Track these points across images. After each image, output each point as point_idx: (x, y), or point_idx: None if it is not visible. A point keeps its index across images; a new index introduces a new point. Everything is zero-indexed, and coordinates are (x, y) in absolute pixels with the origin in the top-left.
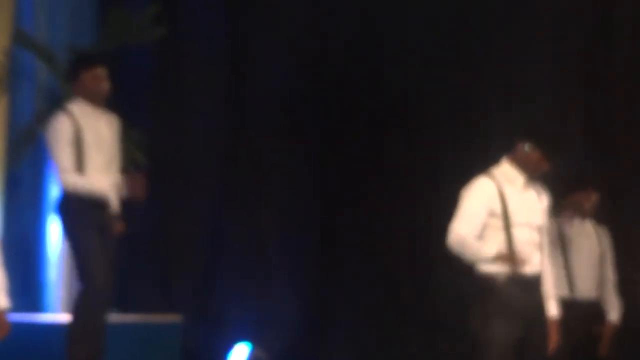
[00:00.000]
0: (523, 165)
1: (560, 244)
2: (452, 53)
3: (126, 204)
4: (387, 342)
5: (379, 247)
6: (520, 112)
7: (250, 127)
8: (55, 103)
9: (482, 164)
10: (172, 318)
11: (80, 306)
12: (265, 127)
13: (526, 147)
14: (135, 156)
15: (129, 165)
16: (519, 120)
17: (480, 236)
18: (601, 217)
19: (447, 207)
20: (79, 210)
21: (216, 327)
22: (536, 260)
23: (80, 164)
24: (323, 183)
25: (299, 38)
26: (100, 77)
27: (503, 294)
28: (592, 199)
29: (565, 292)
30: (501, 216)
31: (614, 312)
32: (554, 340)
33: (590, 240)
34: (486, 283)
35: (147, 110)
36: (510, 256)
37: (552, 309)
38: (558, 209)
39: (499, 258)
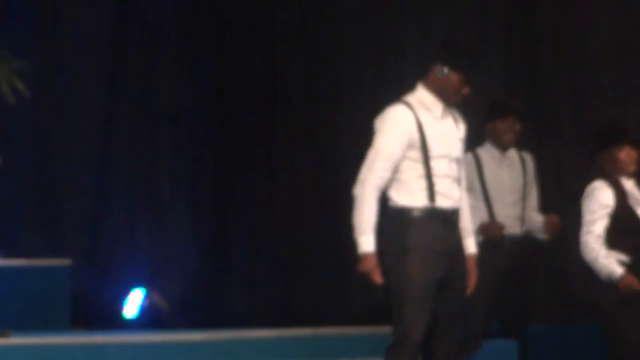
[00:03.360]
0: (440, 90)
1: (479, 177)
2: None
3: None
4: (290, 287)
5: (280, 185)
6: (434, 31)
7: (137, 52)
8: None
9: (394, 90)
10: (59, 262)
11: None
12: (153, 52)
13: (444, 70)
14: (16, 85)
15: (9, 93)
16: (433, 40)
17: (396, 176)
18: (526, 143)
19: (357, 139)
20: None
21: (108, 271)
22: (455, 194)
23: None
24: (219, 112)
25: None
26: None
27: (420, 228)
28: (514, 128)
29: None
30: (420, 148)
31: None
32: (473, 278)
33: (512, 173)
34: (401, 217)
35: (27, 35)
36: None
37: (471, 246)
38: (478, 139)
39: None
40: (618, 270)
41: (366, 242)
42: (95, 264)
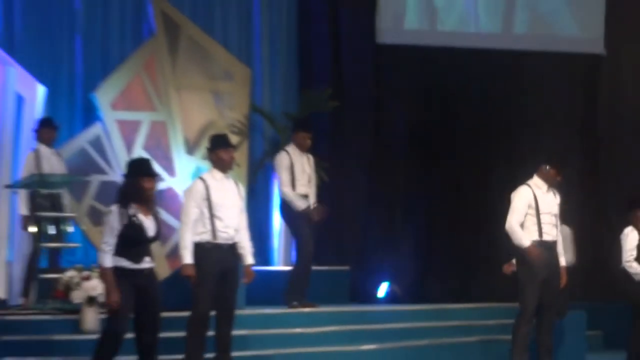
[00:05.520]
0: (545, 178)
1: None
2: (508, 116)
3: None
4: (466, 279)
5: (462, 225)
6: (543, 148)
7: (388, 152)
8: (275, 146)
9: (522, 178)
10: (343, 268)
11: (297, 261)
12: (396, 152)
13: (547, 168)
14: (322, 175)
15: (319, 179)
16: (542, 153)
17: (523, 223)
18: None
19: (501, 201)
20: (290, 207)
21: (369, 272)
22: (554, 233)
23: (292, 182)
24: (429, 188)
25: (418, 106)
26: (307, 136)
27: (535, 252)
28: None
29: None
30: (534, 208)
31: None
32: (564, 280)
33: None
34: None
35: (327, 148)
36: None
37: (562, 261)
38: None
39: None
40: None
41: (524, 239)
42: (363, 268)
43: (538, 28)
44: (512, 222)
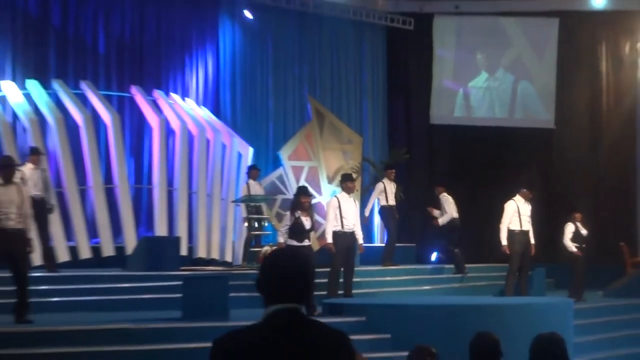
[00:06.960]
0: (523, 196)
1: (518, 212)
2: (506, 163)
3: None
4: (480, 251)
5: (477, 221)
6: (522, 180)
7: (435, 183)
8: (375, 179)
9: (510, 195)
10: (412, 244)
11: (387, 241)
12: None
13: (524, 190)
14: (400, 194)
15: (399, 197)
16: (521, 182)
17: (510, 221)
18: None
19: (498, 208)
20: (385, 210)
21: (425, 247)
22: (528, 226)
23: (386, 198)
24: (460, 201)
25: (455, 158)
26: (393, 173)
27: (517, 236)
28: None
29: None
30: (517, 212)
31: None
32: (533, 252)
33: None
34: (511, 232)
35: (403, 180)
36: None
37: (532, 240)
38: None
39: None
40: (573, 248)
41: (503, 236)
42: (422, 244)
43: (526, 114)
44: (504, 224)
